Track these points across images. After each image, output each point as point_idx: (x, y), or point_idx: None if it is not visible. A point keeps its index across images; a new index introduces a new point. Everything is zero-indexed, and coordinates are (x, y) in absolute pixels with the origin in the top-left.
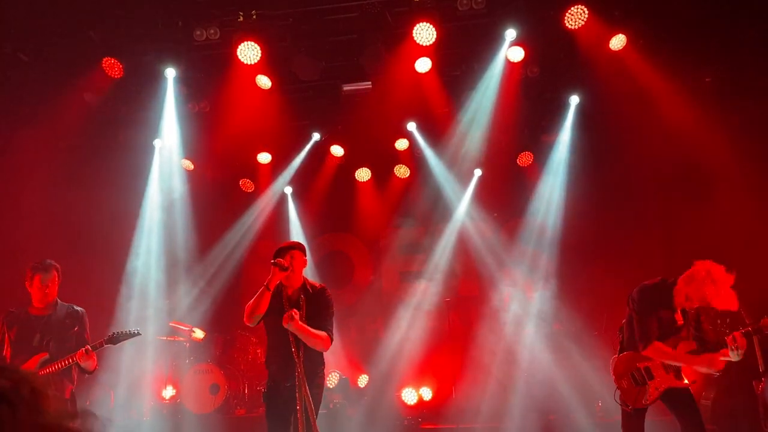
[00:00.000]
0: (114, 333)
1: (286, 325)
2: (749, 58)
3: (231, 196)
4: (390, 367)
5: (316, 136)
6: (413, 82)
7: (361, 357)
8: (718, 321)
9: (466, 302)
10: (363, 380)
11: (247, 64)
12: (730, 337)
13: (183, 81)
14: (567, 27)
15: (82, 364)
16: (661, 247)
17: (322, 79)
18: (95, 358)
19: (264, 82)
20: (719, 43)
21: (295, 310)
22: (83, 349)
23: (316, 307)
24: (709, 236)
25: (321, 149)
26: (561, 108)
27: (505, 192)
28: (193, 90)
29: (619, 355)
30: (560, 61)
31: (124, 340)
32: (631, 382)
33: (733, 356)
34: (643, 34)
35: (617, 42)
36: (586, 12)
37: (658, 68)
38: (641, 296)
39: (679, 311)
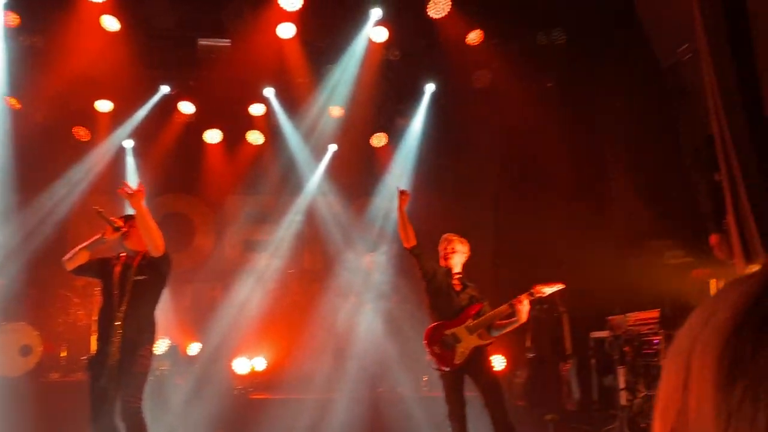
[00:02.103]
0: None
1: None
2: (587, 66)
3: (62, 143)
4: (225, 336)
5: (164, 89)
6: (275, 46)
7: (194, 324)
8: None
9: (310, 275)
10: (194, 348)
11: (93, 1)
12: (516, 299)
13: (14, 9)
14: (430, 16)
15: None
16: (493, 238)
17: (178, 28)
18: None
19: (110, 23)
20: (563, 51)
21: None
22: None
23: (153, 269)
24: (538, 237)
25: (169, 104)
26: (417, 94)
27: (358, 170)
28: (25, 20)
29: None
30: (421, 49)
31: None
32: (443, 347)
33: (519, 317)
34: (497, 33)
35: (474, 36)
36: (450, 3)
37: (507, 67)
38: None
39: (455, 278)
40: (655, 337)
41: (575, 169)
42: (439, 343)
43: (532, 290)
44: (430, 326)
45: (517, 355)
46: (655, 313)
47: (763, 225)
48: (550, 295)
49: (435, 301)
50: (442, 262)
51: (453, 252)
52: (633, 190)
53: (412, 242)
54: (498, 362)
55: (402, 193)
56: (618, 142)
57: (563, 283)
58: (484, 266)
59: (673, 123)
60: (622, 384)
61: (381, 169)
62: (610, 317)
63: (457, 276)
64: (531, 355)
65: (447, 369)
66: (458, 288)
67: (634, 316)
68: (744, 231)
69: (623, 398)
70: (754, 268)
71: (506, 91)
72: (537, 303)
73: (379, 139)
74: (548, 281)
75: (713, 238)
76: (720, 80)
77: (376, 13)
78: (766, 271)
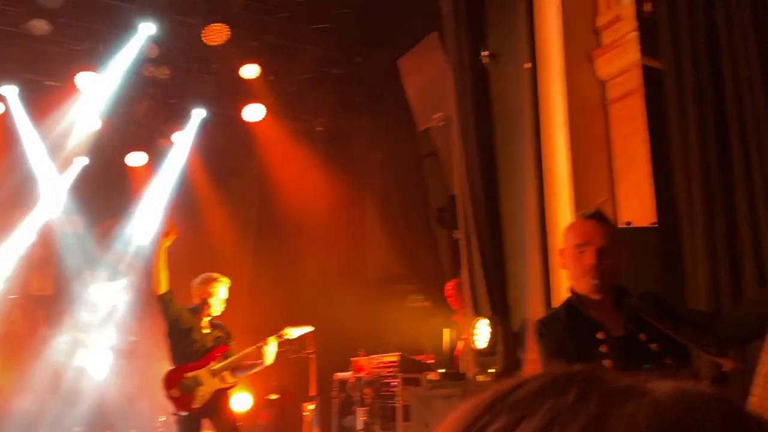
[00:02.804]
0: None
1: None
2: (355, 117)
3: None
4: None
5: None
6: (23, 41)
7: None
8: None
9: (36, 302)
10: None
11: None
12: (263, 341)
13: None
14: (205, 41)
15: None
16: (249, 275)
17: None
18: None
19: None
20: (334, 100)
21: None
22: None
23: None
24: (293, 277)
25: None
26: (184, 117)
27: (108, 189)
28: None
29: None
30: (193, 72)
31: None
32: (182, 391)
33: (264, 359)
34: (272, 70)
35: (249, 71)
36: (228, 33)
37: (280, 105)
38: None
39: (203, 319)
40: (393, 380)
41: (334, 213)
42: (178, 386)
43: (280, 332)
44: (171, 369)
45: (263, 395)
46: (395, 357)
47: (490, 282)
48: (299, 336)
49: (178, 343)
50: (196, 300)
51: (212, 294)
52: (385, 238)
53: (165, 288)
54: (243, 402)
55: (169, 231)
56: (375, 193)
57: (312, 326)
58: (239, 304)
59: (423, 181)
60: (359, 425)
61: (135, 191)
62: (353, 359)
63: (208, 317)
64: (276, 396)
65: (185, 413)
66: (206, 329)
67: (377, 359)
68: (474, 285)
69: None
70: (481, 319)
71: (276, 128)
72: (286, 344)
73: (136, 158)
74: (298, 323)
75: (448, 289)
76: (465, 149)
77: (147, 27)
78: (490, 396)
